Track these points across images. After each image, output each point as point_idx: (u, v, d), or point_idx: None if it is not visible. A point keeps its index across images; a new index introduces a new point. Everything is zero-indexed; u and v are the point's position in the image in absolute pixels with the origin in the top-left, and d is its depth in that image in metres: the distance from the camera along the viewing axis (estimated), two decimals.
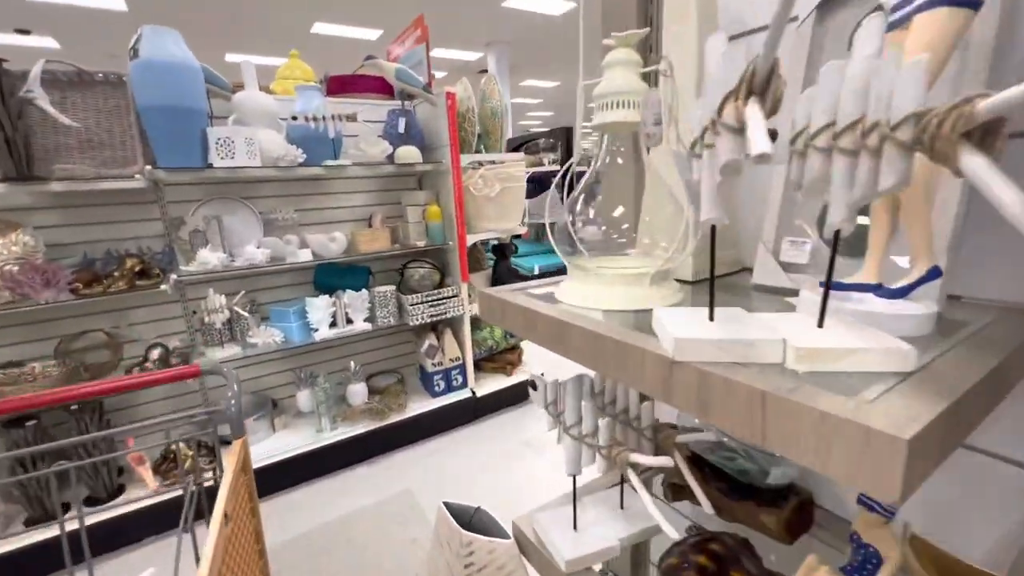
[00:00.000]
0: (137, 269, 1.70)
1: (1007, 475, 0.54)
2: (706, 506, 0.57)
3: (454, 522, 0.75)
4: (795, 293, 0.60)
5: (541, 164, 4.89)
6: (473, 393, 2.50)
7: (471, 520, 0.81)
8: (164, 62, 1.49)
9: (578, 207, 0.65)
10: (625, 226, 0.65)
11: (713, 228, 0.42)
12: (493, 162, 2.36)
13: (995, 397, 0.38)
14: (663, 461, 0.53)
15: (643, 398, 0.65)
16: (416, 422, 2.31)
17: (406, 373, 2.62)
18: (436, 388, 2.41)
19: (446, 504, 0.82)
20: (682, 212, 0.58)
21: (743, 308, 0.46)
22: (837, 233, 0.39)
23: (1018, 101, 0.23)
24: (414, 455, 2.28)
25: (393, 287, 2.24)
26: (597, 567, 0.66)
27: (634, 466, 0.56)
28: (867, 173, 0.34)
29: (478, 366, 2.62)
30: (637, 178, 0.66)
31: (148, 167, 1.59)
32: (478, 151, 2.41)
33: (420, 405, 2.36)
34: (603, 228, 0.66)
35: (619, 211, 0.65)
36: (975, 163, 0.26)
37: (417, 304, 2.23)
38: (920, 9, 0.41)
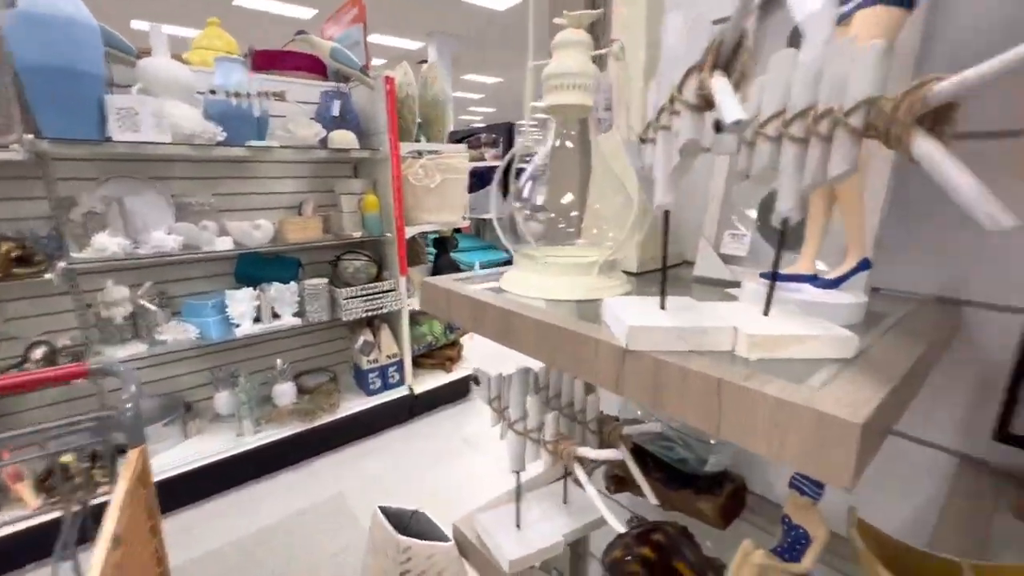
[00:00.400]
0: (15, 255, 1.47)
1: (915, 453, 0.59)
2: (651, 498, 0.57)
3: (390, 527, 0.71)
4: (735, 285, 0.61)
5: (482, 159, 4.85)
6: (411, 390, 2.42)
7: (408, 524, 0.77)
8: (48, 15, 1.29)
9: (524, 194, 0.63)
10: (573, 214, 0.63)
11: (667, 214, 0.41)
12: (434, 152, 2.29)
13: (919, 383, 0.40)
14: (611, 454, 0.52)
15: (588, 391, 0.64)
16: (350, 422, 2.20)
17: (339, 371, 2.49)
18: (372, 386, 2.31)
19: (382, 508, 0.76)
20: (631, 201, 0.57)
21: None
22: (785, 222, 0.39)
23: (974, 82, 0.23)
24: (347, 457, 2.17)
25: (325, 280, 2.11)
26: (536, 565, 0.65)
27: (581, 460, 0.55)
28: (817, 161, 0.34)
29: (416, 362, 2.54)
30: (586, 165, 0.65)
31: (29, 136, 1.37)
32: (418, 140, 2.33)
33: (354, 404, 2.25)
34: (550, 216, 0.64)
35: (567, 199, 0.64)
36: (929, 148, 0.26)
37: (352, 298, 2.12)
38: (861, 6, 0.42)
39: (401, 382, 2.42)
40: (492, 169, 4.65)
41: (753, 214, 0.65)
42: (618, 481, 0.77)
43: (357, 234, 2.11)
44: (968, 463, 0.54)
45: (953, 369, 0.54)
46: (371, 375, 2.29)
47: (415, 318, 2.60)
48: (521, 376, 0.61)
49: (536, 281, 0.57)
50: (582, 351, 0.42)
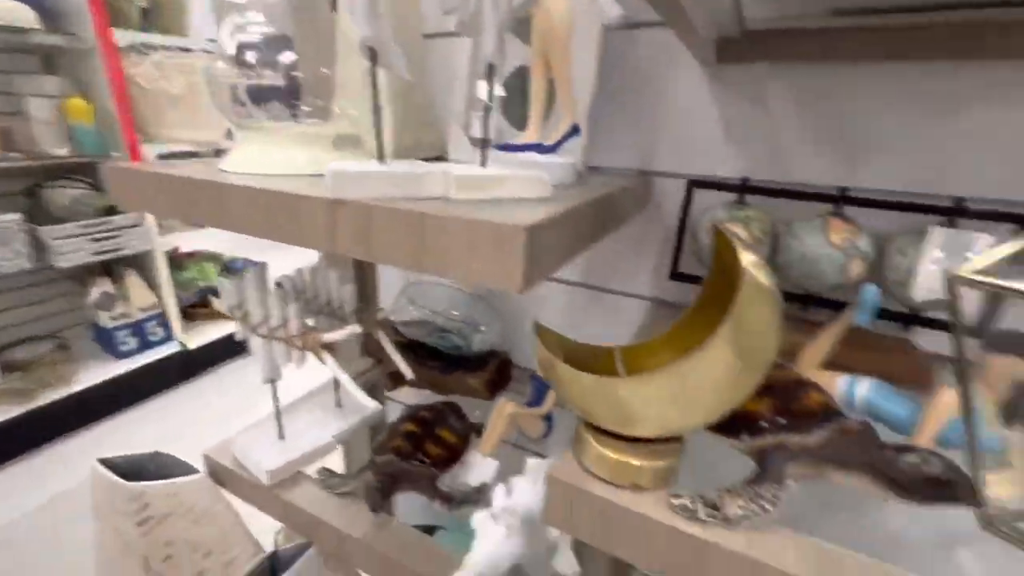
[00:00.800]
0: None
1: (626, 305, 0.72)
2: (406, 371, 0.57)
3: (114, 477, 0.58)
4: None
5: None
6: (183, 347, 2.05)
7: (148, 470, 0.65)
8: None
9: (248, 59, 0.52)
10: (311, 85, 0.55)
11: (374, 56, 0.38)
12: (174, 49, 1.81)
13: (606, 224, 0.47)
14: (350, 330, 0.50)
15: (343, 283, 0.60)
16: (92, 395, 1.77)
17: (74, 335, 1.95)
18: (122, 347, 1.87)
19: (103, 461, 0.62)
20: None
21: None
22: (491, 68, 0.39)
23: None
24: (94, 436, 1.75)
25: (17, 216, 1.56)
26: (312, 471, 0.61)
27: (330, 348, 0.52)
28: None
29: (188, 314, 2.14)
30: (332, 35, 0.56)
31: None
32: (147, 31, 1.80)
33: (98, 373, 1.80)
34: (283, 86, 0.55)
35: (307, 71, 0.55)
36: None
37: (69, 238, 1.62)
38: None
39: (168, 338, 2.02)
40: None
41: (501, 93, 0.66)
42: (395, 377, 0.77)
43: (62, 151, 1.58)
44: (657, 303, 0.68)
45: (648, 230, 0.66)
46: (119, 334, 1.85)
47: (178, 261, 2.16)
48: (257, 274, 0.54)
49: (261, 156, 0.49)
50: (296, 214, 0.38)
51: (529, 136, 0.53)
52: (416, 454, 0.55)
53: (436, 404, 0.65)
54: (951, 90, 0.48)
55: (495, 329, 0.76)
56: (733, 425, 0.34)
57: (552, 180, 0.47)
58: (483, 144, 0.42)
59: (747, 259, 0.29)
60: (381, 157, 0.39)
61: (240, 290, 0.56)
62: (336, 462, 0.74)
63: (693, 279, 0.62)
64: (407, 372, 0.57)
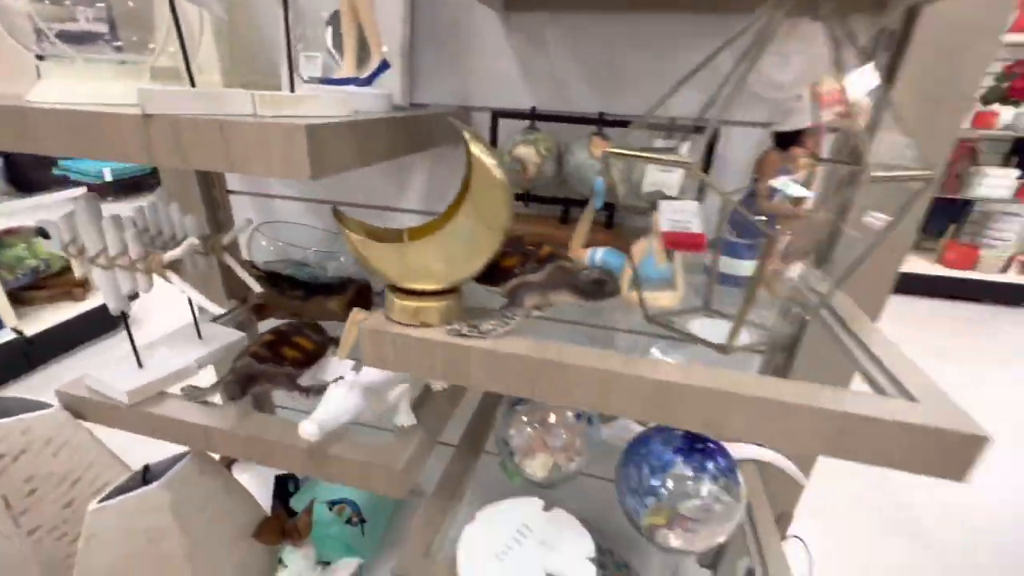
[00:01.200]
0: None
1: None
2: (253, 285, 0.64)
3: None
4: None
5: None
6: (20, 335, 1.82)
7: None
8: None
9: None
10: (131, 22, 0.57)
11: None
12: None
13: (411, 142, 0.57)
14: (188, 243, 0.55)
15: (184, 214, 0.64)
16: None
17: None
18: None
19: None
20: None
21: None
22: (285, 4, 0.47)
23: None
24: None
25: None
26: (177, 391, 0.66)
27: (175, 268, 0.57)
28: None
29: (21, 298, 1.89)
30: None
31: None
32: None
33: None
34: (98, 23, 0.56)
35: (120, 5, 0.56)
36: None
37: None
38: None
39: None
40: None
41: (328, 33, 0.72)
42: (260, 309, 0.83)
43: None
44: None
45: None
46: None
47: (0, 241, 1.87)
48: (88, 203, 0.56)
49: (71, 88, 0.51)
50: (110, 129, 0.42)
51: (346, 72, 0.61)
52: (273, 358, 0.63)
53: (296, 322, 0.72)
54: (667, 35, 0.65)
55: (351, 258, 0.84)
56: (495, 276, 0.48)
57: (365, 107, 0.56)
58: (290, 74, 0.49)
59: (475, 148, 0.41)
60: (192, 83, 0.45)
61: (71, 224, 0.58)
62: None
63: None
64: (254, 286, 0.64)
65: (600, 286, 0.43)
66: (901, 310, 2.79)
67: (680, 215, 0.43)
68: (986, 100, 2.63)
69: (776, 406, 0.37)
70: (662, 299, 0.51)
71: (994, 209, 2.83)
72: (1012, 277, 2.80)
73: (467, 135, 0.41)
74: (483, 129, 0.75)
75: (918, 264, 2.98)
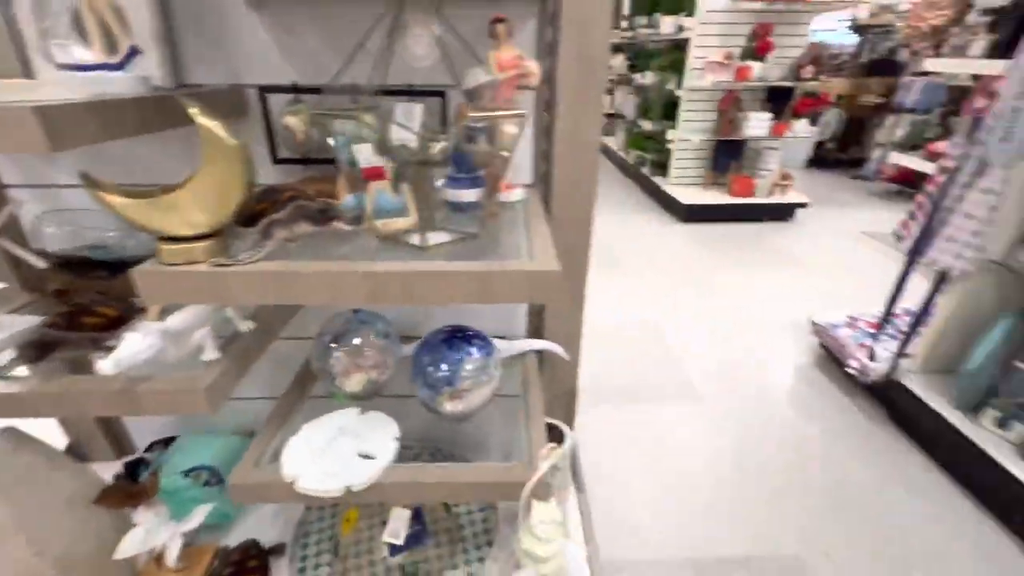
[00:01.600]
0: None
1: None
2: (33, 260, 0.69)
3: None
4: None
5: None
6: None
7: None
8: None
9: None
10: None
11: None
12: None
13: (165, 118, 0.67)
14: None
15: None
16: None
17: None
18: None
19: None
20: None
21: None
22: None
23: None
24: None
25: None
26: None
27: None
28: None
29: None
30: None
31: None
32: None
33: None
34: None
35: None
36: None
37: None
38: None
39: None
40: None
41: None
42: (61, 294, 0.85)
43: None
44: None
45: (253, 128, 0.87)
46: None
47: None
48: None
49: None
50: None
51: (95, 58, 0.67)
52: (71, 325, 0.69)
53: (97, 297, 0.78)
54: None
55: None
56: (252, 220, 0.61)
57: (116, 90, 0.64)
58: (28, 64, 0.56)
59: (199, 119, 0.53)
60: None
61: None
62: None
63: (292, 161, 0.87)
64: (36, 262, 0.69)
65: (324, 213, 0.59)
66: (704, 234, 3.42)
67: (367, 155, 0.60)
68: (743, 57, 3.26)
69: (442, 275, 0.57)
70: (398, 223, 0.68)
71: (761, 146, 3.55)
72: (776, 199, 3.58)
73: (191, 110, 0.53)
74: (256, 105, 0.85)
75: (715, 196, 3.65)
